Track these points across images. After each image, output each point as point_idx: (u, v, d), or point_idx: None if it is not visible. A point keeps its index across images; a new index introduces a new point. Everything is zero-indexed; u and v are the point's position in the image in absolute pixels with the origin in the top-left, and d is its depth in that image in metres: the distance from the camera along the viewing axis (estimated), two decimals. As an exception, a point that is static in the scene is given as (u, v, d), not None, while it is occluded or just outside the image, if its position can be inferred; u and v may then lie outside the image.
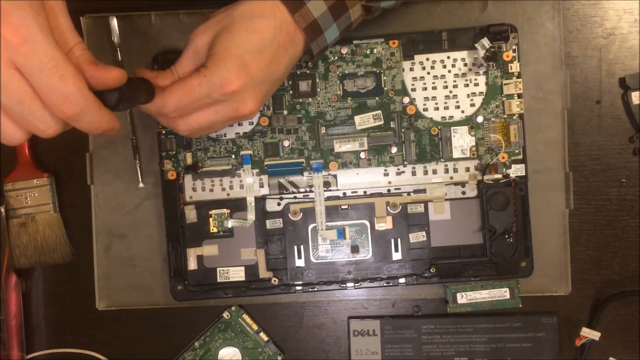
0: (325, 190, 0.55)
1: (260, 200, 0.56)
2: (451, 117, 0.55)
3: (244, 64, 0.42)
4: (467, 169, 0.55)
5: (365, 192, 0.56)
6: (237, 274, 0.56)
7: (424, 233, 0.55)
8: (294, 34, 0.44)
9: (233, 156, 0.55)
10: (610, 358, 0.57)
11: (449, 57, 0.55)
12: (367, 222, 0.56)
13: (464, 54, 0.55)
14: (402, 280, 0.55)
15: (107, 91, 0.38)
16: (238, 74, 0.42)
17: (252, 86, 0.43)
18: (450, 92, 0.55)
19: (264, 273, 0.56)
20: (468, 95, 0.55)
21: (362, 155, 0.55)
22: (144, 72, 0.44)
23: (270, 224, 0.56)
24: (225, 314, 0.57)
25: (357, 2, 0.46)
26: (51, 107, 0.34)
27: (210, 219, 0.56)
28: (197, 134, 0.47)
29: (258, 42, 0.43)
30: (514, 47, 0.55)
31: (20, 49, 0.32)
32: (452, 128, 0.55)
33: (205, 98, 0.43)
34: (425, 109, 0.55)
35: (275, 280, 0.55)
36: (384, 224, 0.56)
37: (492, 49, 0.54)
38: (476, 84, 0.55)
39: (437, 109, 0.55)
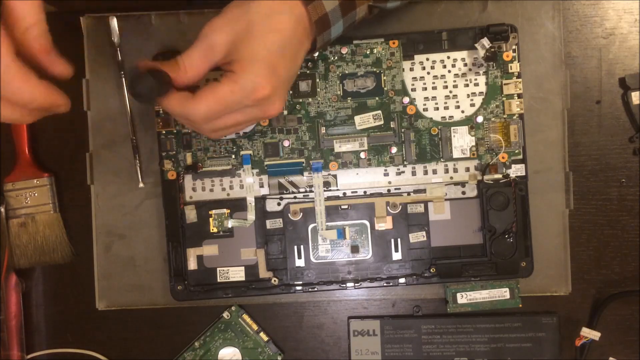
0: (325, 190, 0.55)
1: (260, 200, 0.56)
2: (451, 117, 0.55)
3: (272, 66, 0.42)
4: (467, 169, 0.55)
5: (365, 192, 0.56)
6: (237, 274, 0.56)
7: (424, 233, 0.55)
8: (308, 27, 0.44)
9: (233, 156, 0.55)
10: (610, 358, 0.57)
11: (449, 57, 0.55)
12: (367, 222, 0.56)
13: (464, 54, 0.55)
14: (402, 280, 0.55)
15: (133, 78, 0.41)
16: (269, 78, 0.42)
17: (280, 87, 0.43)
18: (450, 92, 0.55)
19: (264, 273, 0.56)
20: (468, 95, 0.55)
21: (362, 155, 0.55)
22: (147, 64, 0.44)
23: (270, 224, 0.56)
24: (225, 314, 0.57)
25: (365, 2, 0.46)
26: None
27: (210, 219, 0.56)
28: (221, 134, 0.47)
29: (280, 41, 0.42)
30: (514, 47, 0.55)
31: None
32: (452, 128, 0.55)
33: (236, 105, 0.43)
34: (425, 109, 0.55)
35: (275, 280, 0.55)
36: (384, 224, 0.56)
37: (492, 49, 0.54)
38: (476, 84, 0.55)
39: (437, 109, 0.55)
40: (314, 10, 0.44)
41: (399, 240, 0.56)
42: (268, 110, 0.44)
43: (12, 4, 0.37)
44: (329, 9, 0.44)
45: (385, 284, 0.56)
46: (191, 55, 0.43)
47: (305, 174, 0.55)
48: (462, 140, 0.55)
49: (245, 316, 0.57)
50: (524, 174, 0.55)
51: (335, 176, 0.56)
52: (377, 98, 0.55)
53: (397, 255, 0.56)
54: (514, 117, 0.55)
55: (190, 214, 0.56)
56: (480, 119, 0.55)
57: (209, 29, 0.43)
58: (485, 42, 0.53)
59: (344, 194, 0.56)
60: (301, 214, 0.56)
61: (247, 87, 0.42)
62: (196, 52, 0.43)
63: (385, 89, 0.55)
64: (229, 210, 0.56)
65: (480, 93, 0.55)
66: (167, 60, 0.43)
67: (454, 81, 0.55)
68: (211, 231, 0.56)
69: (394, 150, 0.55)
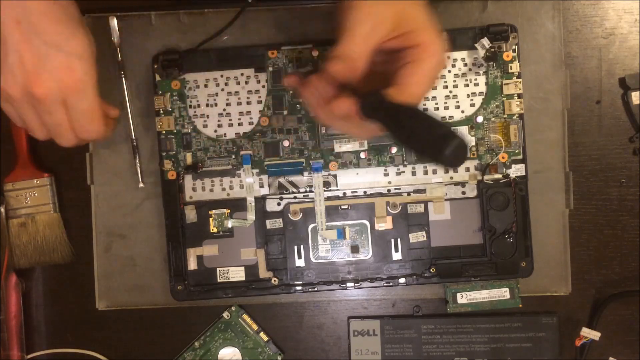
0: (325, 190, 0.55)
1: (260, 200, 0.55)
2: (451, 117, 0.55)
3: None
4: (467, 169, 0.55)
5: (365, 192, 0.56)
6: (237, 274, 0.56)
7: (424, 233, 0.55)
8: None
9: (233, 156, 0.55)
10: (610, 358, 0.57)
11: (449, 57, 0.55)
12: (367, 222, 0.56)
13: (464, 54, 0.55)
14: (402, 280, 0.55)
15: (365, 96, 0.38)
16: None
17: None
18: (450, 92, 0.55)
19: (264, 273, 0.56)
20: (468, 95, 0.55)
21: (362, 155, 0.55)
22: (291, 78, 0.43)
23: (270, 224, 0.56)
24: (225, 314, 0.57)
25: None
26: (77, 132, 0.44)
27: (210, 219, 0.56)
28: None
29: None
30: (514, 47, 0.55)
31: (73, 94, 0.42)
32: (452, 128, 0.55)
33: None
34: (425, 109, 0.55)
35: (275, 280, 0.55)
36: (384, 224, 0.56)
37: (492, 49, 0.54)
38: (476, 84, 0.55)
39: (437, 109, 0.55)
40: None
41: (399, 240, 0.56)
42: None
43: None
44: None
45: (385, 284, 0.56)
46: (352, 42, 0.38)
47: (305, 174, 0.55)
48: (462, 140, 0.55)
49: (245, 316, 0.57)
50: (524, 174, 0.55)
51: (335, 176, 0.56)
52: (377, 98, 0.55)
53: (397, 255, 0.56)
54: (514, 117, 0.55)
55: (190, 214, 0.55)
56: (480, 119, 0.55)
57: (368, 6, 0.38)
58: (485, 42, 0.53)
59: (344, 194, 0.56)
60: (301, 214, 0.56)
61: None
62: (358, 37, 0.38)
63: (385, 89, 0.55)
64: (229, 210, 0.56)
65: (480, 93, 0.55)
66: (328, 61, 0.38)
67: (454, 81, 0.55)
68: (211, 231, 0.56)
69: (394, 150, 0.55)
